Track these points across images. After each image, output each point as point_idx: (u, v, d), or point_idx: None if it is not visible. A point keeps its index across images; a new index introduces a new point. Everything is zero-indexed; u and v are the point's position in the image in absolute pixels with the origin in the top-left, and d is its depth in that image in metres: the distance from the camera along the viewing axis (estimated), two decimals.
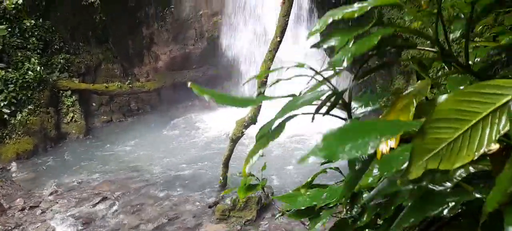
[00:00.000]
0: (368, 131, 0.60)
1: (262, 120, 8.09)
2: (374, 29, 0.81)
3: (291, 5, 9.29)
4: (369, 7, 0.80)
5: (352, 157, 0.56)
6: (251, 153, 0.74)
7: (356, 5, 0.78)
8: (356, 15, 0.75)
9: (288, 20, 9.27)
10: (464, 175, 0.70)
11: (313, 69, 0.82)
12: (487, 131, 0.59)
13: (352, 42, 0.77)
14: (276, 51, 8.99)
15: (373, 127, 0.61)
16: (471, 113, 0.60)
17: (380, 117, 0.81)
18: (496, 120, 0.59)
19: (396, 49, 0.98)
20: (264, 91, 8.97)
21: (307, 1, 11.96)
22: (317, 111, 0.79)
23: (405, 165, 0.69)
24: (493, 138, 0.59)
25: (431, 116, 0.62)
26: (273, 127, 0.73)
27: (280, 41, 9.07)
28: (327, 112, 0.80)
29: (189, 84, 0.77)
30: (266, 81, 9.08)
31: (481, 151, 0.59)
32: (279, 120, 0.70)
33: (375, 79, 9.20)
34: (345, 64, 0.75)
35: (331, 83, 0.82)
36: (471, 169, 0.70)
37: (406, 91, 0.80)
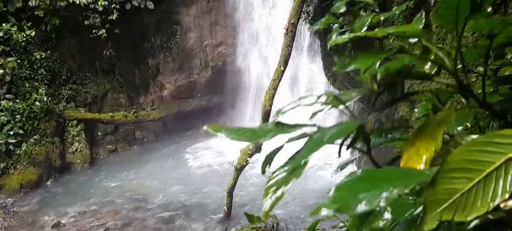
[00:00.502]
0: (381, 182, 0.59)
1: (267, 147, 8.07)
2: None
3: (294, 36, 9.46)
4: (390, 31, 0.81)
5: (365, 210, 0.56)
6: (270, 189, 0.71)
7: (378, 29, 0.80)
8: (379, 35, 0.76)
9: (291, 50, 9.42)
10: (480, 223, 0.68)
11: (338, 100, 0.81)
12: (501, 182, 0.59)
13: (378, 63, 0.78)
14: (280, 80, 9.08)
15: (387, 177, 0.61)
16: (484, 163, 0.60)
17: (402, 155, 0.79)
18: (510, 170, 0.58)
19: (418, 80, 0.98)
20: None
21: (307, 33, 12.16)
22: (341, 146, 0.78)
23: (419, 210, 0.68)
24: (508, 188, 0.58)
25: (443, 165, 0.62)
26: (294, 163, 0.70)
27: (283, 71, 9.17)
28: (350, 146, 0.79)
29: (204, 128, 0.76)
30: (270, 110, 9.11)
31: (496, 202, 0.58)
32: (304, 159, 0.67)
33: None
34: (378, 77, 0.75)
35: (353, 115, 0.81)
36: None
37: (427, 125, 0.78)
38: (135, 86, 14.63)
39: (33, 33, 11.30)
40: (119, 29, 12.50)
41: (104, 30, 12.00)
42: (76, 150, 11.90)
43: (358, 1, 1.60)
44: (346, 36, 0.92)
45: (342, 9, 1.69)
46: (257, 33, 14.44)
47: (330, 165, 9.93)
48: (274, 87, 9.06)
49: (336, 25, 1.68)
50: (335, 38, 0.93)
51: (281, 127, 0.74)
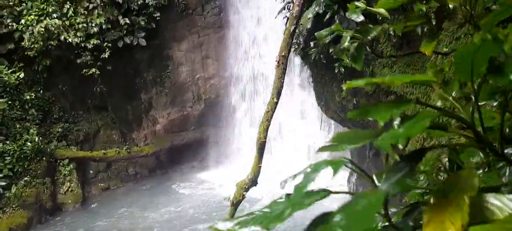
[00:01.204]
0: None
1: (263, 180, 7.99)
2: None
3: (286, 67, 9.63)
4: (406, 80, 0.81)
5: None
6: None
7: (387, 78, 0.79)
8: (396, 83, 0.75)
9: (283, 82, 9.55)
10: None
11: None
12: None
13: (398, 121, 0.73)
14: (273, 112, 9.14)
15: None
16: None
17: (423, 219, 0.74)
18: None
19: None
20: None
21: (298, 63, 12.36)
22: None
23: None
24: None
25: None
26: None
27: (277, 102, 9.26)
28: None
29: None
30: (265, 141, 9.10)
31: None
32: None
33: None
34: (400, 146, 0.71)
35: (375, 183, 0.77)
36: None
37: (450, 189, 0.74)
38: (128, 121, 14.55)
39: (22, 74, 11.24)
40: (111, 66, 12.56)
41: (96, 68, 12.05)
42: (67, 190, 11.63)
43: (371, 11, 1.65)
44: (361, 81, 0.89)
45: (360, 18, 1.72)
46: (249, 65, 14.64)
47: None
48: (268, 119, 9.10)
49: (344, 34, 1.71)
50: (351, 82, 0.90)
51: (294, 199, 0.69)
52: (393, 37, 7.56)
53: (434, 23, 6.55)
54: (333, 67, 9.21)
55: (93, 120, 13.57)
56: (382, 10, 1.69)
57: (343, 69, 9.26)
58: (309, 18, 10.04)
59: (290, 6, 10.41)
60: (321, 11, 9.03)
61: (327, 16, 9.15)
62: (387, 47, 7.83)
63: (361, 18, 1.81)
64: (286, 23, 10.34)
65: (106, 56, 12.07)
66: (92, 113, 13.59)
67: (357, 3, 1.68)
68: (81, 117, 13.28)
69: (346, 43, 1.66)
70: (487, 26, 0.83)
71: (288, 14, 10.48)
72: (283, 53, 9.64)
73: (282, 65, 9.55)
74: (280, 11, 10.72)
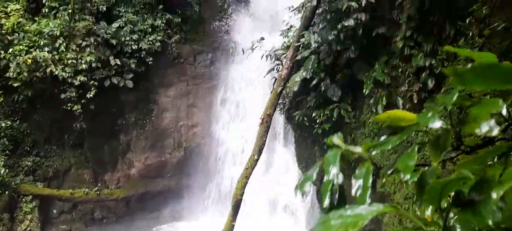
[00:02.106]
0: None
1: None
2: None
3: (269, 126, 9.72)
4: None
5: None
6: None
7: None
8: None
9: (265, 140, 9.59)
10: None
11: None
12: None
13: None
14: (252, 169, 9.06)
15: None
16: None
17: None
18: None
19: None
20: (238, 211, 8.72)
21: (282, 123, 12.54)
22: None
23: None
24: None
25: None
26: None
27: (257, 160, 9.21)
28: None
29: None
30: (241, 199, 8.90)
31: None
32: None
33: None
34: None
35: None
36: None
37: None
38: (103, 162, 14.08)
39: (0, 99, 10.94)
40: (94, 105, 12.40)
41: (79, 106, 11.85)
42: (26, 228, 10.85)
43: None
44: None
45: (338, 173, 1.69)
46: (233, 118, 14.73)
47: None
48: (247, 176, 8.99)
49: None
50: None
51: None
52: (374, 110, 7.82)
53: (415, 101, 6.86)
54: (315, 130, 9.35)
55: (66, 157, 13.06)
56: (358, 149, 1.72)
57: (323, 133, 9.42)
58: (296, 81, 10.37)
59: (279, 68, 10.78)
60: (308, 77, 9.36)
61: (314, 82, 9.49)
62: (369, 119, 8.06)
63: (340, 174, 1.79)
64: (274, 83, 10.65)
65: (92, 95, 11.95)
66: (66, 149, 13.13)
67: (334, 140, 1.67)
68: (54, 152, 12.78)
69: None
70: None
71: (276, 75, 10.82)
72: (268, 112, 9.79)
73: (266, 123, 9.66)
74: (269, 71, 11.06)
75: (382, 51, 8.06)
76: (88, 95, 11.97)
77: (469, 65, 0.82)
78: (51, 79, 11.42)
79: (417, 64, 6.58)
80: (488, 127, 0.79)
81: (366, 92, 8.05)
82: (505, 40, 5.05)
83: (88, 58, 11.69)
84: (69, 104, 11.88)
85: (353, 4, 7.33)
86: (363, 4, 7.25)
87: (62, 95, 11.81)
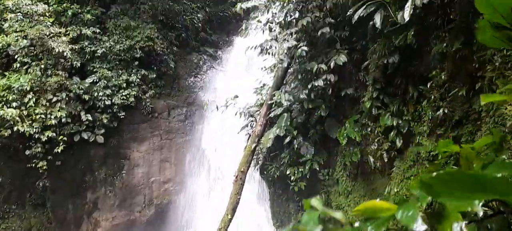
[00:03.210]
0: None
1: None
2: None
3: (243, 184, 9.60)
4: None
5: None
6: None
7: None
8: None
9: (239, 198, 9.41)
10: None
11: None
12: None
13: None
14: (226, 230, 8.77)
15: None
16: None
17: None
18: None
19: None
20: None
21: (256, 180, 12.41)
22: None
23: None
24: None
25: None
26: None
27: (231, 219, 8.96)
28: None
29: None
30: None
31: None
32: None
33: None
34: None
35: None
36: None
37: None
38: (66, 222, 13.19)
39: None
40: (61, 161, 11.87)
41: (45, 162, 11.31)
42: None
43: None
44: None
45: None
46: (206, 175, 14.46)
47: None
48: None
49: None
50: None
51: None
52: (348, 167, 7.96)
53: (386, 160, 7.05)
54: (291, 187, 9.33)
55: (26, 217, 12.17)
56: (338, 215, 1.73)
57: (297, 190, 9.39)
58: (270, 138, 10.48)
59: (253, 124, 10.91)
60: (281, 134, 9.50)
61: (287, 139, 9.63)
62: (342, 177, 8.15)
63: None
64: (248, 140, 10.70)
65: (59, 151, 11.48)
66: (27, 209, 12.27)
67: (312, 202, 1.70)
68: (13, 212, 11.90)
69: None
70: None
71: (250, 131, 10.91)
72: (242, 169, 9.71)
73: (240, 181, 9.54)
74: (243, 128, 11.15)
75: (351, 110, 8.39)
76: (55, 151, 11.49)
77: (434, 173, 0.80)
78: (16, 136, 10.94)
79: (385, 124, 6.86)
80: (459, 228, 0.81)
81: (343, 146, 8.20)
82: (465, 104, 5.41)
83: (58, 114, 11.38)
84: (33, 161, 11.32)
85: (323, 66, 7.72)
86: (331, 66, 7.64)
87: (27, 152, 11.27)
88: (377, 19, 5.65)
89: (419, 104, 6.35)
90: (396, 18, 5.61)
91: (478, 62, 5.04)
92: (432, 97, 5.89)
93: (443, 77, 5.68)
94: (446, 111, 5.57)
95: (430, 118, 5.91)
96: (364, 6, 5.80)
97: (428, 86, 5.93)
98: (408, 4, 5.11)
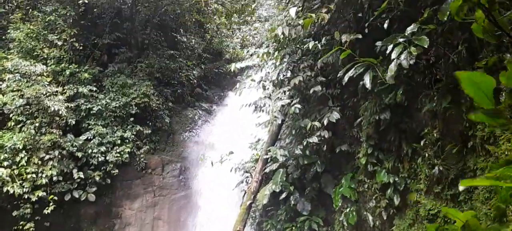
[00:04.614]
0: None
1: None
2: None
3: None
4: None
5: None
6: None
7: None
8: None
9: None
10: None
11: None
12: None
13: None
14: None
15: None
16: None
17: None
18: None
19: None
20: None
21: None
22: None
23: None
24: None
25: None
26: None
27: None
28: None
29: None
30: None
31: None
32: None
33: None
34: None
35: None
36: None
37: None
38: None
39: None
40: (50, 222, 11.46)
41: (32, 224, 10.91)
42: None
43: None
44: None
45: None
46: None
47: None
48: None
49: None
50: None
51: None
52: (346, 227, 7.76)
53: (385, 218, 6.90)
54: None
55: None
56: None
57: None
58: (266, 194, 10.29)
59: (248, 181, 10.77)
60: (277, 190, 9.36)
61: (284, 195, 9.47)
62: None
63: None
64: (243, 196, 10.49)
65: (49, 211, 11.13)
66: None
67: None
68: None
69: None
70: None
71: (245, 188, 10.73)
72: (238, 228, 9.43)
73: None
74: (237, 184, 10.99)
75: (347, 166, 8.37)
76: (45, 212, 11.12)
77: None
78: (5, 197, 10.64)
79: (381, 180, 6.82)
80: None
81: (336, 208, 8.09)
82: (460, 162, 5.43)
83: (50, 172, 11.18)
84: (21, 223, 10.91)
85: (316, 123, 7.81)
86: (325, 123, 7.73)
87: (15, 213, 10.89)
88: (367, 80, 5.82)
89: (414, 161, 6.36)
90: (384, 78, 5.79)
91: (468, 121, 5.14)
92: (426, 154, 5.91)
93: (435, 135, 5.75)
94: (441, 169, 5.56)
95: (426, 175, 5.89)
96: (353, 67, 6.00)
97: (421, 144, 5.98)
98: (392, 66, 5.32)
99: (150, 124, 14.43)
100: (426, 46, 4.68)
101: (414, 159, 6.41)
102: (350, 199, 7.68)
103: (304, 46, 7.80)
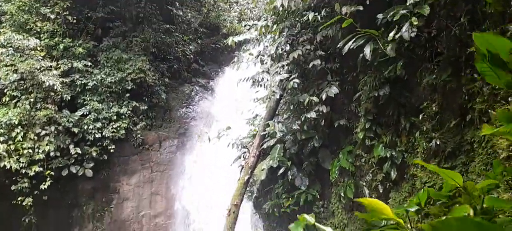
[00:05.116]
0: None
1: None
2: None
3: (237, 217, 9.39)
4: None
5: None
6: None
7: None
8: None
9: None
10: None
11: None
12: None
13: None
14: None
15: None
16: None
17: None
18: None
19: None
20: None
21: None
22: None
23: None
24: None
25: None
26: None
27: None
28: None
29: None
30: None
31: None
32: None
33: None
34: None
35: None
36: None
37: None
38: None
39: None
40: (47, 196, 11.52)
41: (31, 198, 10.96)
42: None
43: None
44: None
45: None
46: (199, 206, 14.13)
47: None
48: None
49: None
50: None
51: None
52: (343, 199, 7.86)
53: (381, 191, 6.98)
54: (284, 209, 9.13)
55: None
56: (328, 229, 1.78)
57: (290, 211, 9.18)
58: (263, 169, 10.37)
59: (245, 156, 10.80)
60: (275, 165, 9.40)
61: (281, 170, 9.53)
62: (338, 209, 8.04)
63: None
64: (241, 171, 10.55)
65: (46, 187, 11.16)
66: None
67: (306, 217, 1.71)
68: None
69: None
70: None
71: (243, 163, 10.78)
72: (235, 202, 9.52)
73: (233, 214, 9.34)
74: (235, 160, 11.02)
75: (345, 141, 8.39)
76: (42, 187, 11.16)
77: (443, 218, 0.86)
78: (2, 172, 10.63)
79: (378, 155, 6.85)
80: None
81: (333, 180, 8.16)
82: (457, 135, 5.45)
83: (46, 148, 11.14)
84: (19, 198, 10.95)
85: (314, 98, 7.76)
86: (323, 98, 7.69)
87: (13, 187, 10.92)
88: (367, 51, 5.76)
89: (412, 135, 6.38)
90: (385, 50, 5.72)
91: (467, 94, 5.12)
92: (425, 128, 5.92)
93: (434, 108, 5.74)
94: (438, 142, 5.58)
95: (423, 149, 5.92)
96: (354, 39, 5.92)
97: (420, 117, 5.98)
98: (392, 34, 5.26)
99: (146, 99, 14.32)
100: (426, 15, 4.60)
101: (412, 132, 6.42)
102: (347, 171, 7.74)
103: (304, 19, 7.66)
